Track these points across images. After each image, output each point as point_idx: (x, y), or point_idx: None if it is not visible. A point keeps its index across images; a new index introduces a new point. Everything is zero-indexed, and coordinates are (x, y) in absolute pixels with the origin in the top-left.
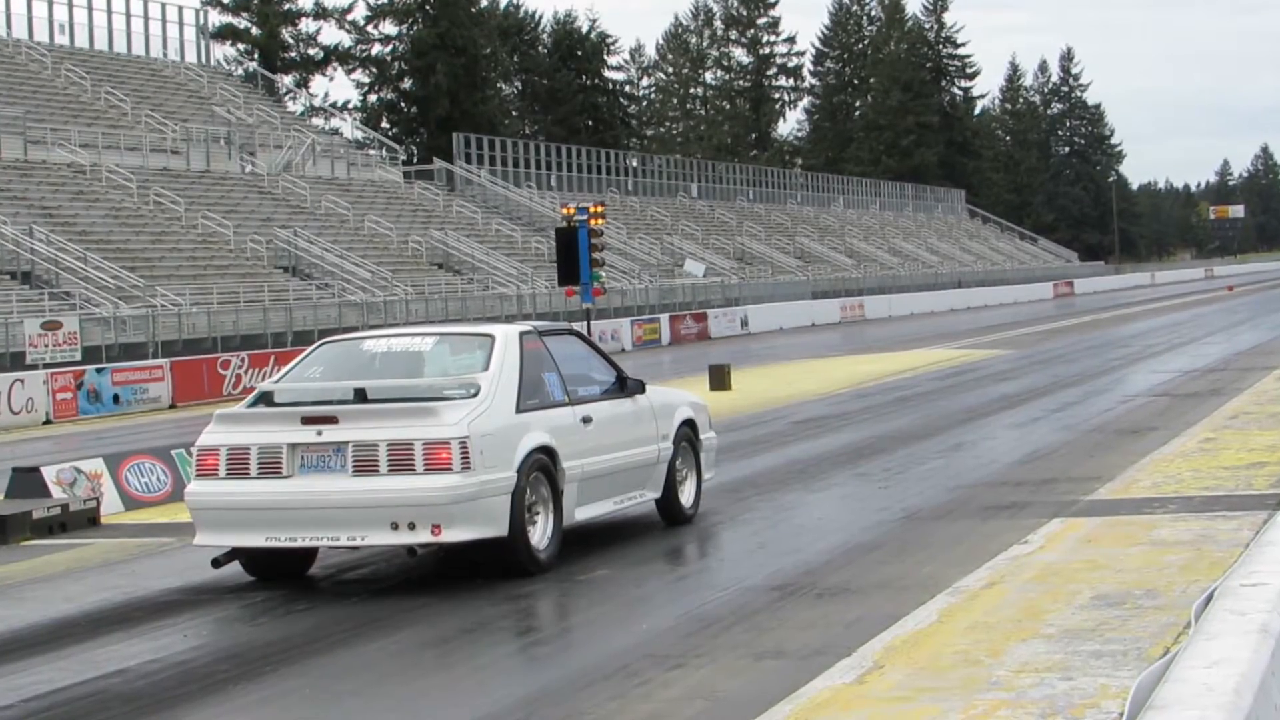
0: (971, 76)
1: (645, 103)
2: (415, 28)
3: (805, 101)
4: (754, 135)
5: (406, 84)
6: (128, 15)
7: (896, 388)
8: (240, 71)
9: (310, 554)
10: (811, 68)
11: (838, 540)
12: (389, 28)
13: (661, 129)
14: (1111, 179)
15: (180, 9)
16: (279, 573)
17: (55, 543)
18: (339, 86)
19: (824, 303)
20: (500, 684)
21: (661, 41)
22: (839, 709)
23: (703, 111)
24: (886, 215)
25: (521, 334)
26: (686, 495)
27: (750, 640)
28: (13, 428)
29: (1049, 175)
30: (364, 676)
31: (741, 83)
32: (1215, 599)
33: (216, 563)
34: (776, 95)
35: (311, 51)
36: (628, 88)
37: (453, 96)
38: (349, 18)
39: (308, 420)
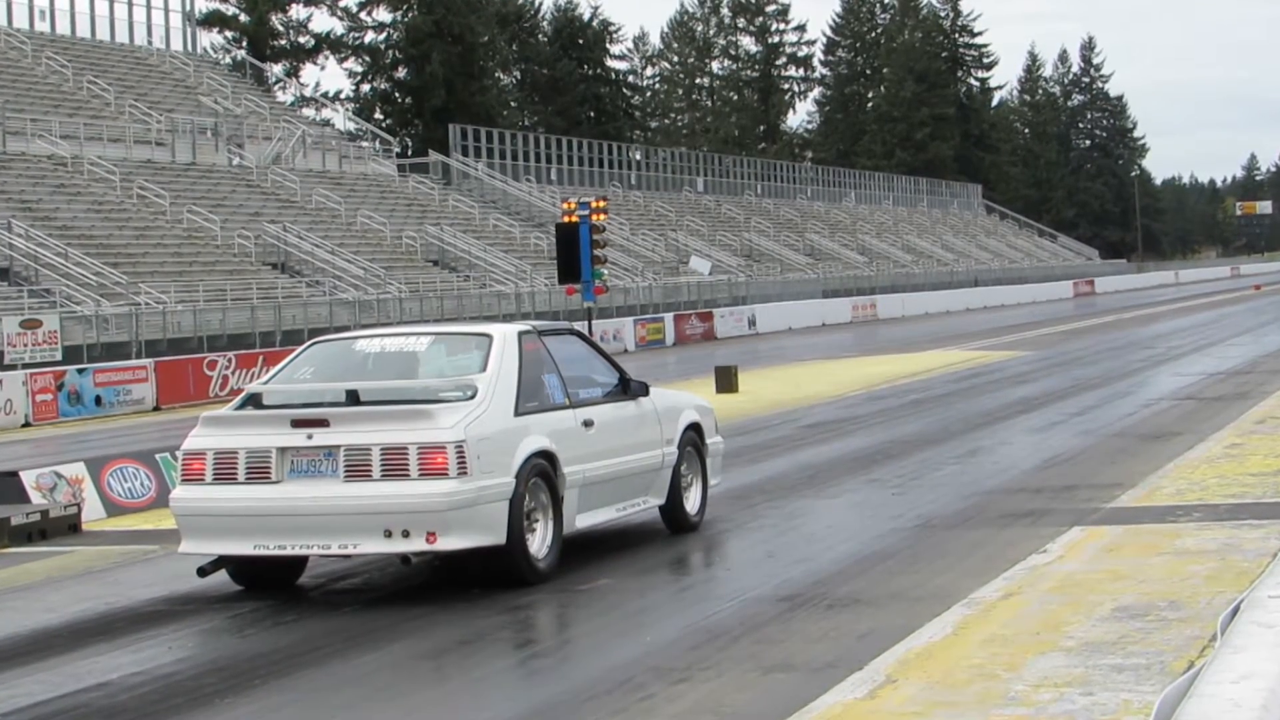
0: (989, 66)
1: (649, 93)
2: (410, 15)
3: (816, 92)
4: (762, 127)
5: (401, 73)
6: (111, 1)
7: (910, 390)
8: (228, 60)
9: (300, 563)
10: (822, 57)
11: (849, 549)
12: (383, 14)
13: (666, 121)
14: (1134, 174)
15: None
16: (267, 582)
17: (34, 550)
18: (331, 76)
19: (835, 302)
20: (498, 698)
21: (666, 30)
22: None
23: (709, 103)
24: (900, 211)
25: (520, 334)
26: (692, 502)
27: (758, 653)
28: None
29: (1069, 170)
30: (356, 690)
31: (749, 73)
32: (1242, 611)
33: (202, 571)
34: (786, 86)
35: (302, 39)
36: (631, 78)
37: (449, 86)
38: (341, 4)
39: (298, 423)
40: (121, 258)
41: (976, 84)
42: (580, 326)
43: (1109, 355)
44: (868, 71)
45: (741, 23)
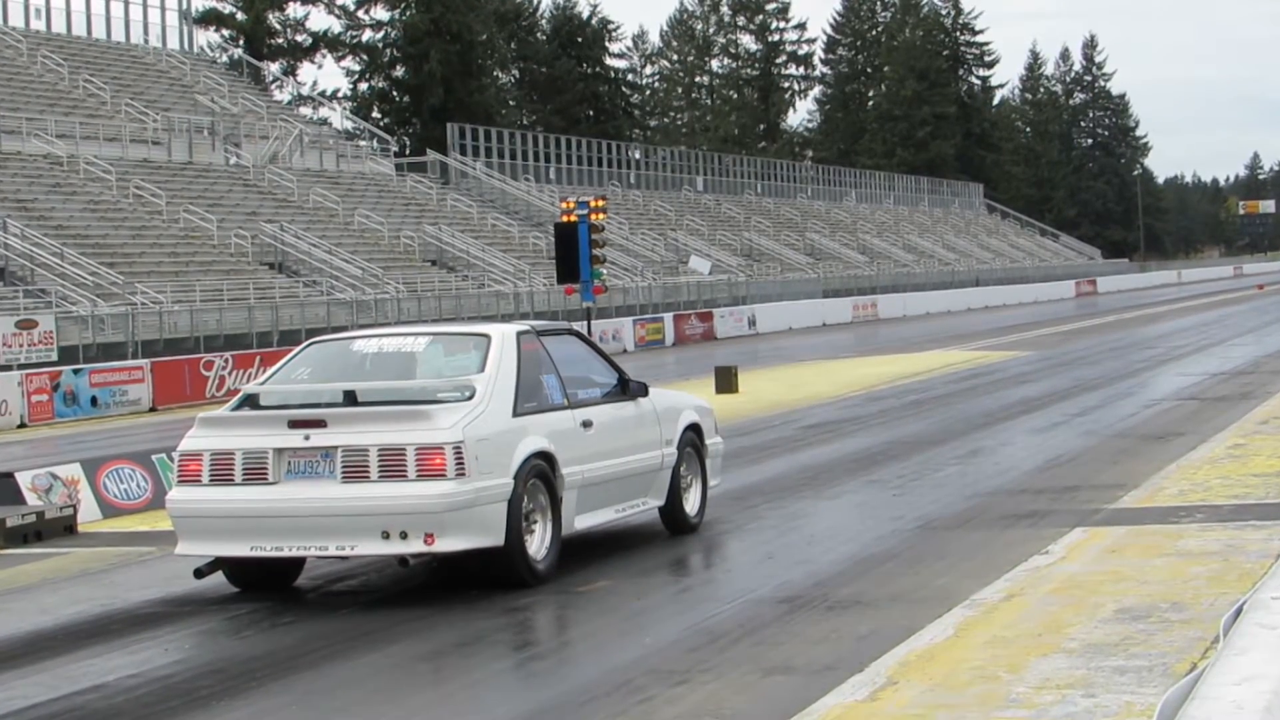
0: (990, 65)
1: (649, 92)
2: (408, 13)
3: (816, 91)
4: (762, 126)
5: (399, 72)
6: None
7: (911, 391)
8: (225, 59)
9: (297, 564)
10: (823, 55)
11: (849, 550)
12: (380, 13)
13: (666, 119)
14: (1136, 173)
15: None
16: (264, 584)
17: (30, 552)
18: (328, 74)
19: (835, 302)
20: (496, 700)
21: (666, 28)
22: None
23: (709, 101)
24: (901, 210)
25: (519, 334)
26: (691, 503)
27: (758, 655)
28: None
29: (1071, 169)
30: (353, 692)
31: (749, 71)
32: (1245, 612)
33: (199, 573)
34: (786, 84)
35: (299, 38)
36: (630, 76)
37: (447, 85)
38: (339, 2)
39: (295, 424)
40: (118, 257)
41: (978, 82)
42: (579, 326)
43: (1111, 355)
44: (868, 70)
45: (741, 21)
